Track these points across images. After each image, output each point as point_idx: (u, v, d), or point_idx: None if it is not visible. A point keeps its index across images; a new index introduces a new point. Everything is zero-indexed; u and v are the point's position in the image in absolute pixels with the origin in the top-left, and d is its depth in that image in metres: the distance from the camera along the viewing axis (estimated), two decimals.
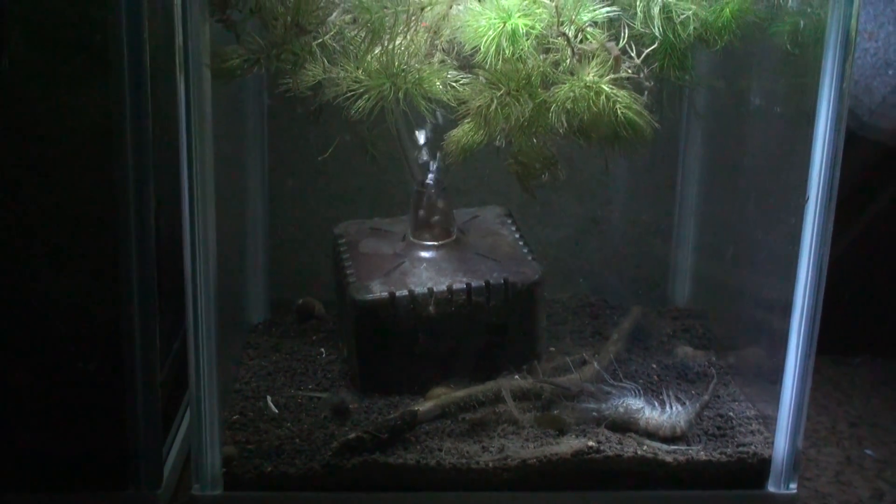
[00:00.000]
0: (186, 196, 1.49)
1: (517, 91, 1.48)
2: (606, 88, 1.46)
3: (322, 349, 1.97)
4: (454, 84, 1.50)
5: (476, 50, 1.45)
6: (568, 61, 1.49)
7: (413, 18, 1.50)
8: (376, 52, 1.49)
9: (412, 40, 1.51)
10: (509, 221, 1.99)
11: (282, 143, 2.09)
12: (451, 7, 1.52)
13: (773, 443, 1.64)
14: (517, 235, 1.94)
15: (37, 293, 1.55)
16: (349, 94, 1.48)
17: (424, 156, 1.82)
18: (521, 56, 1.45)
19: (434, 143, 1.78)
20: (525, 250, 1.89)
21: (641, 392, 1.74)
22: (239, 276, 2.01)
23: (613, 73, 1.48)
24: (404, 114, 1.63)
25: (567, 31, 1.48)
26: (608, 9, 1.47)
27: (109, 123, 1.48)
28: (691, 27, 1.51)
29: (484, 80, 1.49)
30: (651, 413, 1.70)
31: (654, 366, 1.91)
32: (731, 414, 1.76)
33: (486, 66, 1.45)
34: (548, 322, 1.92)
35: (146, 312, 1.56)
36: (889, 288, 2.21)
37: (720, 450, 1.67)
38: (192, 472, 1.61)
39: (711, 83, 1.83)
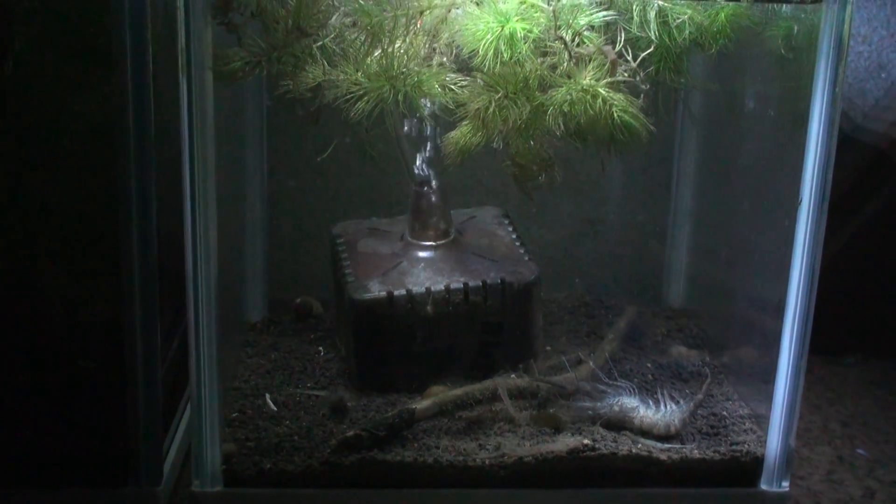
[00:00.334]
0: (188, 196, 1.50)
1: (515, 94, 1.49)
2: (603, 91, 1.47)
3: (320, 348, 1.98)
4: (452, 87, 1.51)
5: (474, 53, 1.45)
6: (565, 65, 1.50)
7: (412, 22, 1.51)
8: (376, 54, 1.50)
9: (411, 43, 1.52)
10: (506, 222, 2.00)
11: (281, 144, 2.10)
12: (449, 11, 1.53)
13: (765, 441, 1.66)
14: (514, 236, 1.95)
15: (39, 290, 1.55)
16: (349, 96, 1.48)
17: (423, 158, 1.83)
18: (518, 59, 1.46)
19: (433, 144, 1.80)
20: (521, 250, 1.90)
21: (636, 391, 1.75)
22: (238, 275, 2.01)
23: (610, 76, 1.49)
24: (402, 116, 1.64)
25: (564, 35, 1.49)
26: (605, 13, 1.48)
27: (112, 125, 1.49)
28: (687, 31, 1.52)
29: (482, 83, 1.50)
30: (646, 412, 1.71)
31: (649, 365, 1.92)
32: (724, 413, 1.78)
33: (485, 70, 1.46)
34: (544, 321, 1.93)
35: (147, 310, 1.56)
36: (881, 289, 2.22)
37: (714, 448, 1.68)
38: (192, 468, 1.61)
39: (706, 86, 1.84)
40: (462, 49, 1.49)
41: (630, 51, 1.53)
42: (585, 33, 1.49)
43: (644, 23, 1.51)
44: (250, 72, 1.53)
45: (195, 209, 1.50)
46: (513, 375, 1.78)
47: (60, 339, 1.57)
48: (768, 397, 1.64)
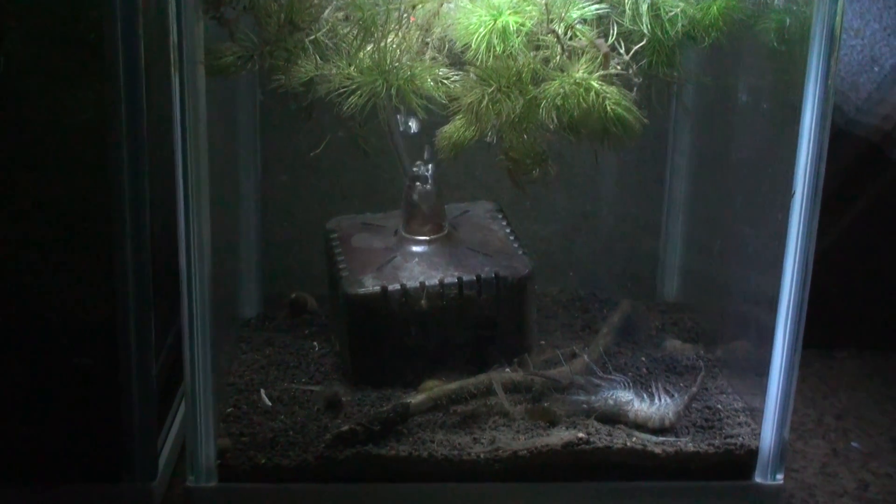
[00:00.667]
0: (181, 192, 1.50)
1: (508, 87, 1.49)
2: (596, 85, 1.47)
3: (315, 343, 1.98)
4: (445, 81, 1.51)
5: (467, 47, 1.46)
6: (558, 58, 1.50)
7: (405, 16, 1.51)
8: (368, 48, 1.50)
9: (404, 37, 1.52)
10: (500, 216, 2.00)
11: (274, 139, 2.10)
12: (442, 4, 1.53)
13: (759, 434, 1.66)
14: (508, 230, 1.95)
15: (33, 288, 1.55)
16: (341, 91, 1.49)
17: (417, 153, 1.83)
18: (511, 53, 1.46)
19: (426, 139, 1.79)
20: (515, 245, 1.91)
21: (631, 384, 1.75)
22: (232, 271, 2.01)
23: (603, 69, 1.49)
24: (396, 110, 1.64)
25: (557, 29, 1.49)
26: (597, 6, 1.49)
27: (104, 120, 1.49)
28: (679, 24, 1.52)
29: (475, 77, 1.50)
30: (640, 405, 1.71)
31: (643, 359, 1.92)
32: (718, 406, 1.78)
33: (477, 63, 1.47)
34: (538, 315, 1.94)
35: (141, 307, 1.56)
36: (875, 282, 2.22)
37: (708, 441, 1.68)
38: (186, 464, 1.61)
39: (699, 80, 1.84)
40: (455, 43, 1.49)
41: (623, 44, 1.53)
42: (578, 27, 1.50)
43: (636, 16, 1.51)
44: (242, 66, 1.52)
45: (188, 205, 1.50)
46: (507, 369, 1.78)
47: (55, 335, 1.57)
48: (762, 390, 1.64)
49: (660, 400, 1.72)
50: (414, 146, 1.83)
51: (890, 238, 2.19)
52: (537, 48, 1.51)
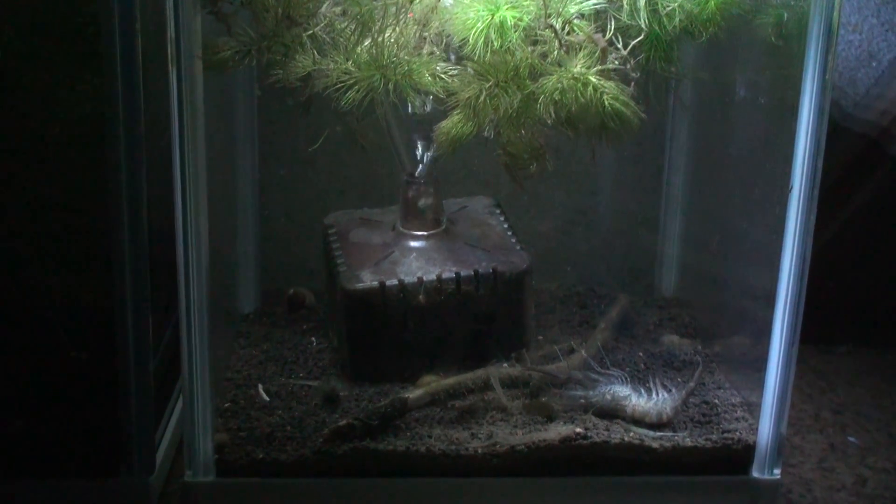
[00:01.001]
0: (178, 187, 1.49)
1: (505, 82, 1.49)
2: (593, 80, 1.47)
3: (313, 338, 1.98)
4: (443, 76, 1.51)
5: (465, 42, 1.45)
6: (555, 53, 1.50)
7: (402, 11, 1.51)
8: (366, 43, 1.50)
9: (401, 32, 1.51)
10: (497, 212, 2.00)
11: (272, 134, 2.10)
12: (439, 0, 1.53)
13: (757, 429, 1.66)
14: (505, 225, 1.95)
15: (30, 282, 1.55)
16: (339, 86, 1.48)
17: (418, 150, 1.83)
18: (509, 48, 1.46)
19: (424, 133, 1.79)
20: (513, 240, 1.91)
21: (628, 380, 1.75)
22: (230, 265, 2.01)
23: (600, 64, 1.49)
24: (393, 105, 1.64)
25: (554, 23, 1.49)
26: (595, 1, 1.48)
27: (102, 114, 1.49)
28: (677, 19, 1.52)
29: (473, 72, 1.50)
30: (638, 400, 1.72)
31: (641, 354, 1.92)
32: (716, 401, 1.78)
33: (475, 58, 1.46)
34: (536, 311, 1.94)
35: (139, 301, 1.57)
36: (872, 278, 2.23)
37: (705, 436, 1.68)
38: (184, 458, 1.61)
39: (697, 75, 1.84)
40: (452, 38, 1.49)
41: (620, 39, 1.53)
42: (575, 21, 1.49)
43: (634, 11, 1.51)
44: (240, 61, 1.52)
45: (186, 200, 1.50)
46: (505, 365, 1.78)
47: (52, 330, 1.57)
48: (760, 385, 1.64)
49: (657, 395, 1.73)
50: (422, 129, 1.82)
51: (887, 233, 2.19)
52: (535, 43, 1.51)
